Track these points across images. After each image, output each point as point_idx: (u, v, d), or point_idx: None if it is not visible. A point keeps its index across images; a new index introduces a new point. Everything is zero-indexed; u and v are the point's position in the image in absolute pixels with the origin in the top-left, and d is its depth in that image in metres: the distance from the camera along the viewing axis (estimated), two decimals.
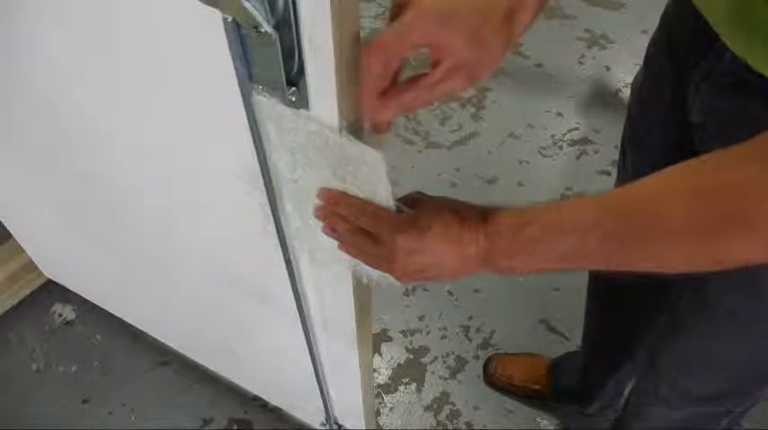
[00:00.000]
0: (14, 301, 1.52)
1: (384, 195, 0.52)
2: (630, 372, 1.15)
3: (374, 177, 0.51)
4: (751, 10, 0.52)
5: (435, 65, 0.51)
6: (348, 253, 0.57)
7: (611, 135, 1.92)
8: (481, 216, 0.51)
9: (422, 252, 0.52)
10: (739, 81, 0.57)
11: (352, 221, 0.54)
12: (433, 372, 1.47)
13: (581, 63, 2.22)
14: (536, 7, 0.53)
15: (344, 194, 0.54)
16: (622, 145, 0.92)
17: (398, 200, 0.54)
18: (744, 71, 0.55)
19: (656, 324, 0.93)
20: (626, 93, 2.07)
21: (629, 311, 1.07)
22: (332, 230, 0.56)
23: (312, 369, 0.93)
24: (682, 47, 0.69)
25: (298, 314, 0.79)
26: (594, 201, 0.48)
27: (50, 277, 1.54)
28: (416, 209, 0.53)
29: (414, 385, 1.45)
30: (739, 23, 0.54)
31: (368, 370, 0.89)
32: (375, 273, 0.59)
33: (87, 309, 1.51)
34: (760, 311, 0.69)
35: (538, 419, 1.40)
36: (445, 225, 0.51)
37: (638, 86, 0.83)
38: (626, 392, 1.20)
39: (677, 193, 0.44)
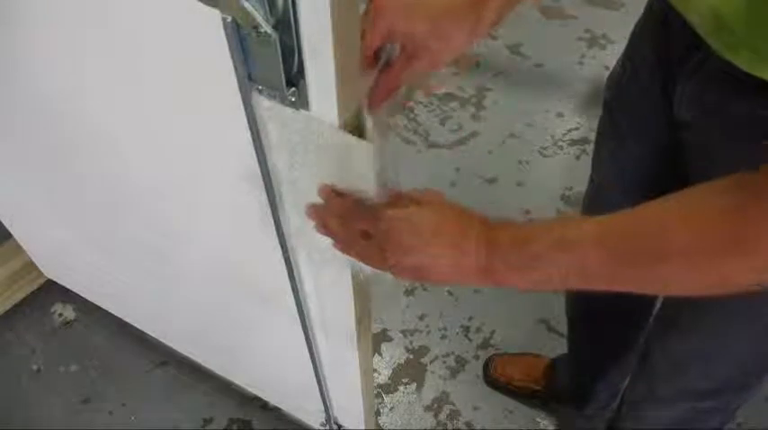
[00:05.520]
0: (14, 301, 1.52)
1: (384, 192, 0.52)
2: (623, 372, 1.15)
3: (374, 174, 0.51)
4: (724, 23, 0.52)
5: (402, 50, 0.52)
6: (342, 251, 0.57)
7: None
8: (483, 228, 0.51)
9: (417, 252, 0.51)
10: (729, 77, 0.57)
11: (345, 218, 0.54)
12: (432, 372, 1.47)
13: (581, 63, 2.22)
14: None
15: (337, 191, 0.54)
16: (597, 139, 0.91)
17: (400, 195, 0.54)
18: (734, 67, 0.55)
19: (648, 324, 0.93)
20: None
21: (617, 315, 1.08)
22: (325, 228, 0.56)
23: (312, 369, 0.93)
24: (669, 41, 0.68)
25: (298, 314, 0.79)
26: (598, 221, 0.48)
27: (50, 277, 1.54)
28: (416, 208, 0.53)
29: (414, 385, 1.45)
30: (718, 30, 0.54)
31: (368, 370, 0.89)
32: (371, 269, 0.59)
33: (87, 309, 1.51)
34: (754, 307, 0.69)
35: (538, 419, 1.40)
36: (444, 231, 0.51)
37: (617, 78, 0.83)
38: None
39: (680, 218, 0.44)
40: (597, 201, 0.96)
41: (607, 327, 1.13)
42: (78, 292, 1.50)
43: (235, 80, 0.48)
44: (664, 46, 0.70)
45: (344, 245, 0.56)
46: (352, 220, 0.54)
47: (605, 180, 0.92)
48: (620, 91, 0.82)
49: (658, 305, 0.89)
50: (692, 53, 0.62)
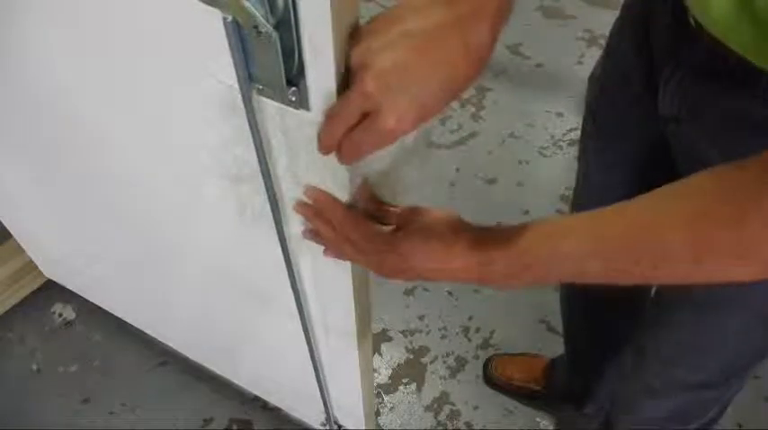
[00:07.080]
0: (14, 301, 1.52)
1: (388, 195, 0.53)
2: (618, 371, 1.15)
3: (375, 177, 0.51)
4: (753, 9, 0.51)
5: None
6: (331, 256, 0.58)
7: None
8: (471, 243, 0.51)
9: (407, 271, 0.53)
10: (715, 70, 0.57)
11: (338, 228, 0.55)
12: (433, 372, 1.47)
13: (581, 63, 2.22)
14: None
15: (333, 199, 0.54)
16: (582, 139, 0.91)
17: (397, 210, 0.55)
18: (720, 59, 0.54)
19: (641, 321, 0.93)
20: None
21: (611, 313, 1.08)
22: (313, 234, 0.58)
23: (312, 369, 0.93)
24: (651, 40, 0.68)
25: (298, 314, 0.79)
26: (590, 228, 0.47)
27: (50, 277, 1.53)
28: (404, 231, 0.53)
29: (414, 385, 1.45)
30: (741, 15, 0.53)
31: (368, 370, 0.89)
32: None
33: (87, 309, 1.51)
34: (745, 297, 0.69)
35: (538, 419, 1.40)
36: (429, 254, 0.52)
37: (598, 79, 0.83)
38: None
39: (677, 220, 0.43)
40: (586, 199, 0.96)
41: (603, 325, 1.13)
42: (78, 292, 1.50)
43: (235, 80, 0.48)
44: (646, 45, 0.69)
45: (335, 252, 0.57)
46: (344, 232, 0.54)
47: (592, 179, 0.92)
48: (601, 91, 0.82)
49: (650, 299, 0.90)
50: (678, 51, 0.62)
